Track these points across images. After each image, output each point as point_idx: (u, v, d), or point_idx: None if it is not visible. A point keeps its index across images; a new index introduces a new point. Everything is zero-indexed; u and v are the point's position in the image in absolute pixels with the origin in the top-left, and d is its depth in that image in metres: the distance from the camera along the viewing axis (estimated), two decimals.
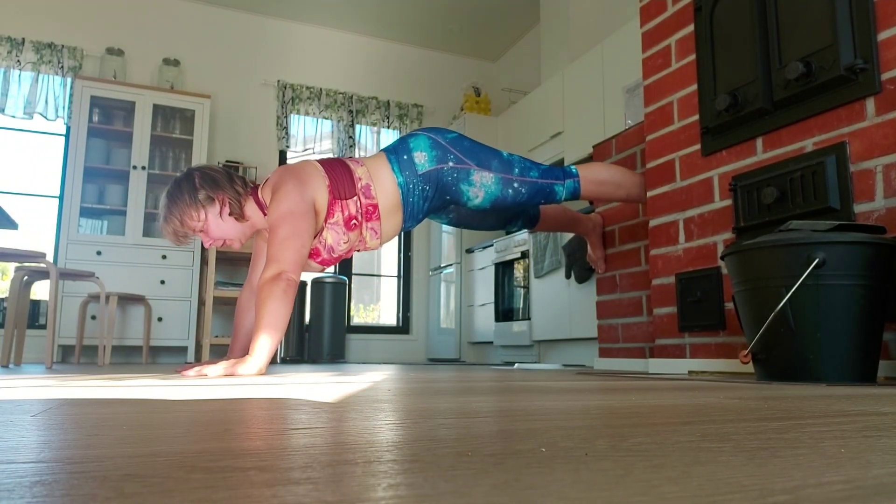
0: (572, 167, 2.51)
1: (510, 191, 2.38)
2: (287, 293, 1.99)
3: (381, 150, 2.40)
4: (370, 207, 2.27)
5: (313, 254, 2.27)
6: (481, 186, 2.35)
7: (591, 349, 4.02)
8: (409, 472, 0.37)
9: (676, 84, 2.38)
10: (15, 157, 5.18)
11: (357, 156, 6.14)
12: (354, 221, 2.26)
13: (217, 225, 2.18)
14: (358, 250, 2.40)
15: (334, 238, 2.25)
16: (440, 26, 6.23)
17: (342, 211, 2.23)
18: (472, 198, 2.37)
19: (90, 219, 5.01)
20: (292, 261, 2.04)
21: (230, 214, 2.18)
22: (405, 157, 2.32)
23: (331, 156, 6.06)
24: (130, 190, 4.95)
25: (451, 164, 2.33)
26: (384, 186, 2.29)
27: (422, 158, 2.32)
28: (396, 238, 6.08)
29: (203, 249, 5.17)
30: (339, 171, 2.27)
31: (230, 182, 2.19)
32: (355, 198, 2.25)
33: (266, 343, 1.93)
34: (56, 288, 2.93)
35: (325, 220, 2.22)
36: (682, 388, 1.30)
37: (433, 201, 2.38)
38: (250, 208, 2.24)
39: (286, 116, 5.87)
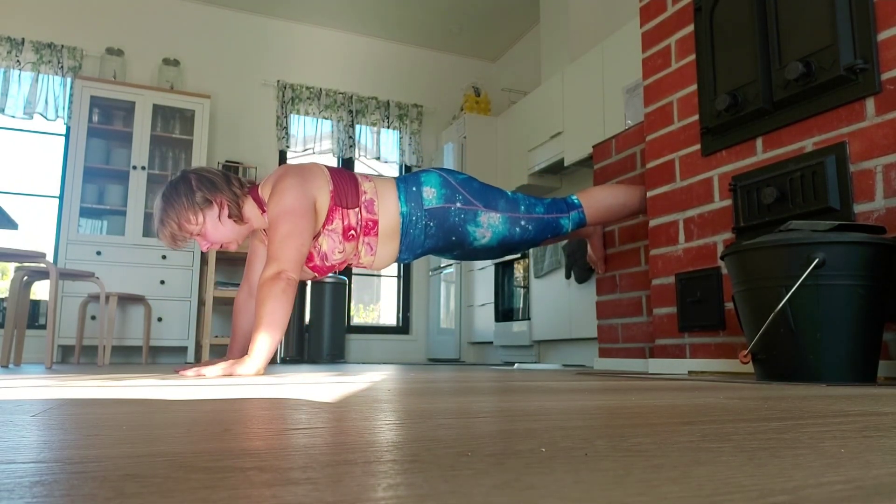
0: (574, 198, 2.50)
1: (517, 229, 2.39)
2: (286, 292, 1.97)
3: (392, 178, 2.39)
4: (370, 222, 2.25)
5: (305, 259, 2.24)
6: (489, 227, 2.35)
7: (591, 349, 4.02)
8: (409, 473, 0.37)
9: (676, 84, 2.38)
10: (15, 157, 5.18)
11: (357, 155, 6.14)
12: (352, 232, 2.23)
13: (215, 228, 2.14)
14: (351, 264, 2.38)
15: (329, 245, 2.22)
16: (440, 26, 6.23)
17: (342, 219, 2.21)
18: (480, 238, 2.37)
19: (90, 219, 5.01)
20: (292, 259, 2.03)
21: (229, 217, 2.14)
22: (414, 188, 2.32)
23: (331, 155, 6.08)
24: (130, 190, 4.96)
25: (458, 204, 2.32)
26: (387, 208, 2.28)
27: (430, 194, 2.31)
28: None
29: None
30: (345, 179, 2.25)
31: (227, 184, 2.16)
32: (357, 209, 2.23)
33: (265, 343, 1.92)
34: (56, 288, 2.93)
35: (324, 226, 2.20)
36: (682, 389, 1.30)
37: (436, 239, 2.36)
38: (249, 209, 2.20)
39: (286, 116, 5.87)
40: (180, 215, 2.08)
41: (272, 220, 2.10)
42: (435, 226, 2.32)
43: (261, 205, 2.20)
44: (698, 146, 2.26)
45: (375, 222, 2.26)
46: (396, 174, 6.53)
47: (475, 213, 2.33)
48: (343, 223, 2.21)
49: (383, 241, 2.30)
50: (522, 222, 2.39)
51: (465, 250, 2.44)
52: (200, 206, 2.10)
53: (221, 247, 2.21)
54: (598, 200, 2.51)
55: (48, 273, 3.06)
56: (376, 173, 6.56)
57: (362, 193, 2.25)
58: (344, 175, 2.27)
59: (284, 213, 2.07)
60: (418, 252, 2.39)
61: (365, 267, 2.39)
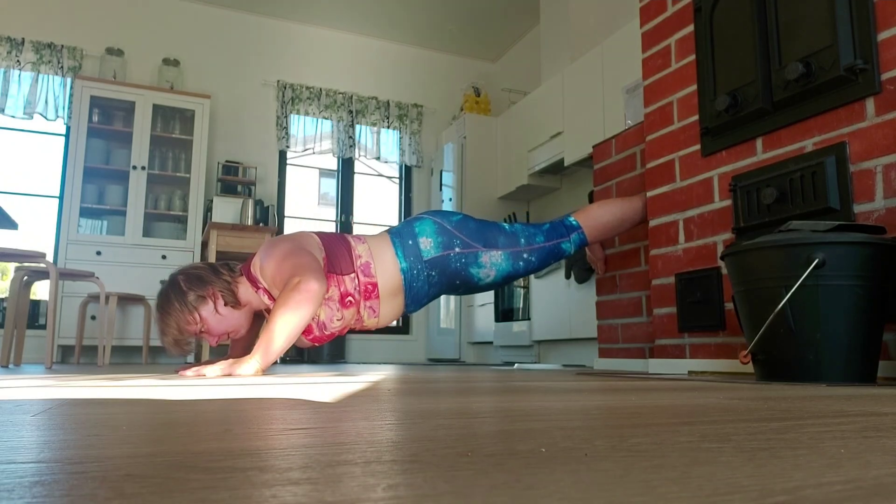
0: (572, 219, 2.48)
1: (521, 263, 2.37)
2: (301, 304, 1.90)
3: (385, 231, 2.34)
4: (369, 286, 2.20)
5: (305, 331, 2.15)
6: (492, 266, 2.33)
7: (591, 349, 4.02)
8: (409, 473, 0.37)
9: (676, 84, 2.38)
10: (15, 157, 5.18)
11: (357, 155, 6.14)
12: (350, 299, 2.17)
13: (217, 321, 2.08)
14: (354, 329, 2.32)
15: (327, 314, 2.15)
16: (440, 26, 6.23)
17: (337, 286, 2.15)
18: (484, 278, 2.34)
19: (90, 219, 5.01)
20: (306, 270, 1.97)
21: (225, 305, 2.09)
22: (410, 241, 2.27)
23: (331, 155, 6.07)
24: (130, 190, 4.96)
25: (457, 249, 2.29)
26: (385, 267, 2.22)
27: (427, 244, 2.27)
28: None
29: (203, 248, 5.17)
30: (336, 245, 2.20)
31: (216, 274, 2.10)
32: (353, 275, 2.17)
33: (269, 346, 1.89)
34: (56, 288, 2.93)
35: None
36: (682, 389, 1.30)
37: (440, 286, 2.33)
38: (244, 291, 2.14)
39: (286, 116, 5.87)
40: (178, 320, 2.04)
41: (273, 275, 2.05)
42: (437, 274, 2.29)
43: (255, 283, 2.14)
44: (698, 146, 2.26)
45: (375, 285, 2.21)
46: (396, 174, 6.54)
47: (476, 255, 2.30)
48: (339, 290, 2.15)
49: (386, 301, 2.25)
50: (525, 255, 2.37)
51: (469, 288, 2.42)
52: (195, 305, 2.05)
53: (229, 336, 2.15)
54: (596, 219, 2.49)
55: (48, 273, 3.06)
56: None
57: (357, 257, 2.20)
58: (334, 240, 2.22)
59: (280, 260, 2.04)
60: (424, 301, 2.36)
61: (369, 329, 2.33)
